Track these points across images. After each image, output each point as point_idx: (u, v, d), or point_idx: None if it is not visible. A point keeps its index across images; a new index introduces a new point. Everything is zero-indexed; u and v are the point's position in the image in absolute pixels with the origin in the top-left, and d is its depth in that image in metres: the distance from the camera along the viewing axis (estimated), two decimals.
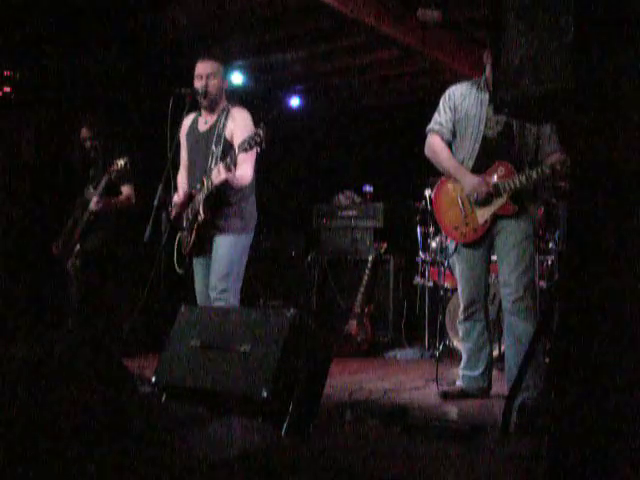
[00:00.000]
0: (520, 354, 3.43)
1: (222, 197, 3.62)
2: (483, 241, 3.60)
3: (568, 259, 1.56)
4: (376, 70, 6.94)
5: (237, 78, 6.60)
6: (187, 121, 3.93)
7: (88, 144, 5.17)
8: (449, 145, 3.68)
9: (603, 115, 1.47)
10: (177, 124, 3.68)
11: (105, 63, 5.84)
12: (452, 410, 3.44)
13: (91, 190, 5.01)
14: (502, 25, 1.67)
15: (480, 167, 3.54)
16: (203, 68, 3.74)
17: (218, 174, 3.45)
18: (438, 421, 2.93)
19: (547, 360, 4.80)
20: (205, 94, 3.70)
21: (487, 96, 3.54)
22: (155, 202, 3.58)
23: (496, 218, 3.53)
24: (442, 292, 5.65)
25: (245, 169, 3.59)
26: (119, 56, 5.92)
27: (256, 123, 3.70)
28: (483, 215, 3.54)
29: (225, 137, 3.66)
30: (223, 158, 3.52)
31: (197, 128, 3.84)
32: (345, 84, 7.40)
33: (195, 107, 3.85)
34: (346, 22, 5.45)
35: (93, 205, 4.93)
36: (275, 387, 2.55)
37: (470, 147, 3.55)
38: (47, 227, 5.45)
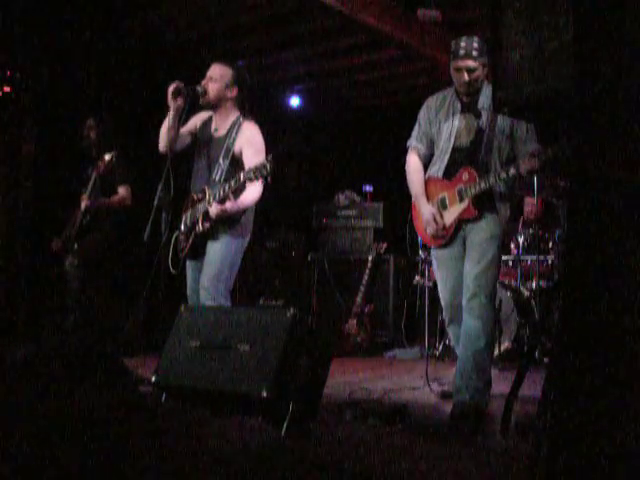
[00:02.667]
0: (467, 351, 3.43)
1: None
2: (454, 244, 3.62)
3: (568, 259, 1.56)
4: (376, 70, 6.95)
5: None
6: (203, 115, 3.89)
7: (92, 134, 5.15)
8: (430, 157, 3.74)
9: (603, 115, 1.47)
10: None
11: (105, 63, 5.84)
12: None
13: (87, 188, 5.02)
14: (502, 25, 1.67)
15: (449, 175, 3.60)
16: (210, 70, 3.74)
17: (215, 211, 3.50)
18: (437, 421, 2.93)
19: (547, 360, 4.83)
20: (203, 95, 3.70)
21: (459, 105, 3.60)
22: (155, 202, 3.59)
23: (461, 222, 3.58)
24: None
25: (254, 190, 3.60)
26: (119, 56, 5.92)
27: (261, 127, 3.72)
28: (449, 219, 3.60)
29: (234, 152, 3.65)
30: (228, 175, 3.54)
31: (210, 131, 3.82)
32: (345, 84, 7.40)
33: (199, 107, 3.84)
34: (346, 22, 5.46)
35: (82, 206, 4.94)
36: (275, 387, 2.55)
37: (440, 158, 3.63)
38: (48, 226, 5.45)
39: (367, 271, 6.11)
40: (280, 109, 7.42)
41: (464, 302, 3.51)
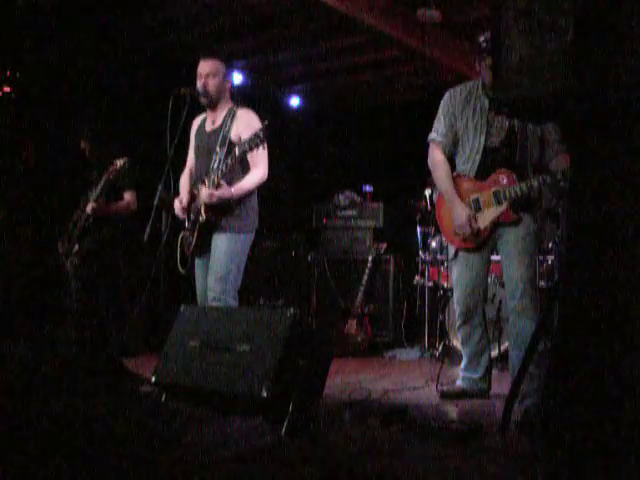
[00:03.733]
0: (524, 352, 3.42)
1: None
2: (483, 246, 3.57)
3: (568, 259, 1.56)
4: (376, 70, 6.94)
5: (237, 78, 6.61)
6: (197, 121, 3.95)
7: (87, 154, 5.21)
8: (452, 155, 3.66)
9: (603, 115, 1.47)
10: (176, 124, 3.68)
11: (105, 62, 5.84)
12: (452, 410, 3.44)
13: (93, 191, 5.03)
14: (502, 25, 1.67)
15: (482, 176, 3.53)
16: (203, 67, 3.74)
17: (208, 197, 3.51)
18: (438, 421, 2.93)
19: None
20: (205, 93, 3.71)
21: (486, 102, 3.52)
22: (155, 202, 3.59)
23: (496, 225, 3.51)
24: (442, 292, 5.65)
25: (259, 170, 3.64)
26: (119, 55, 5.92)
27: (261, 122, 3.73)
28: (484, 221, 3.52)
29: (230, 139, 3.65)
30: (225, 160, 3.54)
31: (204, 128, 3.85)
32: (345, 84, 7.40)
33: (199, 107, 3.85)
34: (346, 22, 5.46)
35: (89, 210, 4.95)
36: (275, 387, 2.55)
37: (472, 158, 3.54)
38: (48, 227, 5.45)
39: (367, 271, 6.10)
40: (280, 109, 7.42)
41: (513, 303, 3.46)
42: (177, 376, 2.85)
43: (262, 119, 3.68)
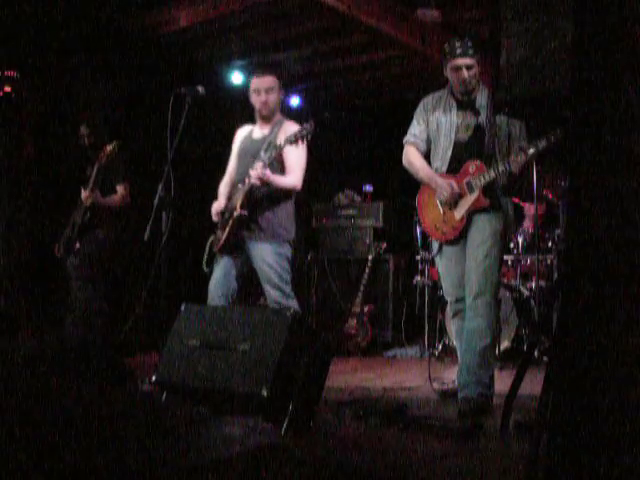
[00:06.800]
0: (472, 348, 3.47)
1: (259, 198, 3.71)
2: (462, 237, 3.68)
3: (568, 259, 1.56)
4: (376, 70, 6.94)
5: (237, 78, 6.60)
6: (243, 130, 4.05)
7: (86, 141, 5.16)
8: (426, 155, 3.81)
9: (601, 115, 1.48)
10: (177, 123, 3.68)
11: (104, 62, 5.84)
12: (451, 409, 3.44)
13: (88, 184, 5.00)
14: (501, 25, 1.68)
15: (453, 169, 3.66)
16: (261, 83, 3.86)
17: (257, 171, 3.58)
18: (437, 420, 2.93)
19: (546, 359, 4.82)
20: (265, 109, 3.83)
21: (454, 103, 3.68)
22: (155, 201, 3.60)
23: (471, 213, 3.62)
24: (442, 291, 5.65)
25: (292, 176, 3.75)
26: (118, 55, 5.92)
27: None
28: (460, 212, 3.64)
29: (275, 144, 3.73)
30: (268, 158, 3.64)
31: (252, 137, 3.95)
32: (345, 84, 7.40)
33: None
34: (346, 22, 5.46)
35: (83, 199, 4.91)
36: (275, 386, 2.56)
37: (443, 153, 3.69)
38: (48, 227, 5.45)
39: (367, 271, 6.11)
40: (280, 109, 7.41)
41: (468, 300, 3.54)
42: (177, 375, 2.85)
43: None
